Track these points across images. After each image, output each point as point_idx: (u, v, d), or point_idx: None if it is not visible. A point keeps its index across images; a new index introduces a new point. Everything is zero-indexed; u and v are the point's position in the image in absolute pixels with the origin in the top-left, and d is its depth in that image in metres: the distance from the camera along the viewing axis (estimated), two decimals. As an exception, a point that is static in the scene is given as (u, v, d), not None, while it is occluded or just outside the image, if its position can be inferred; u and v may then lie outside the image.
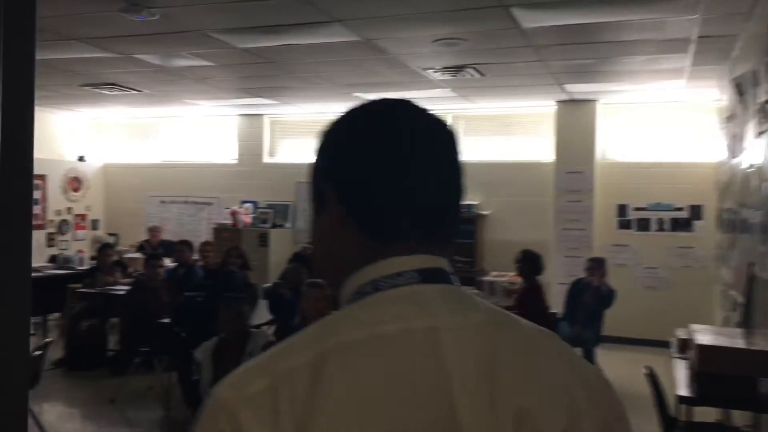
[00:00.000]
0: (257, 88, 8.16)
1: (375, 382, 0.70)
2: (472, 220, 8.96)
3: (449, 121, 9.24)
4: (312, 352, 0.72)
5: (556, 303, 6.93)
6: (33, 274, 6.03)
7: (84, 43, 5.95)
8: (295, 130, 10.39)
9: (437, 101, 8.22)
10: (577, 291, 6.53)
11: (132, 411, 5.20)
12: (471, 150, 9.48)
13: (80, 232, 10.92)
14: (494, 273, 8.90)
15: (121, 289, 6.75)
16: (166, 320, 5.46)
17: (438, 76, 6.98)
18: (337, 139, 0.86)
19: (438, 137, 0.84)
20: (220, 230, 9.86)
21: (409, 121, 0.83)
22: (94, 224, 11.21)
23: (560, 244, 8.56)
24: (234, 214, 9.83)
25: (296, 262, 5.53)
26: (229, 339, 3.51)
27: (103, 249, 7.45)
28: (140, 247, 9.45)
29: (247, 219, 9.88)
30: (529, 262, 5.80)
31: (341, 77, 7.30)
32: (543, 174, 8.86)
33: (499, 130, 9.34)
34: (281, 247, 9.39)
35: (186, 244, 7.44)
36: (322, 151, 0.87)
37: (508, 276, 8.52)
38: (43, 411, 5.18)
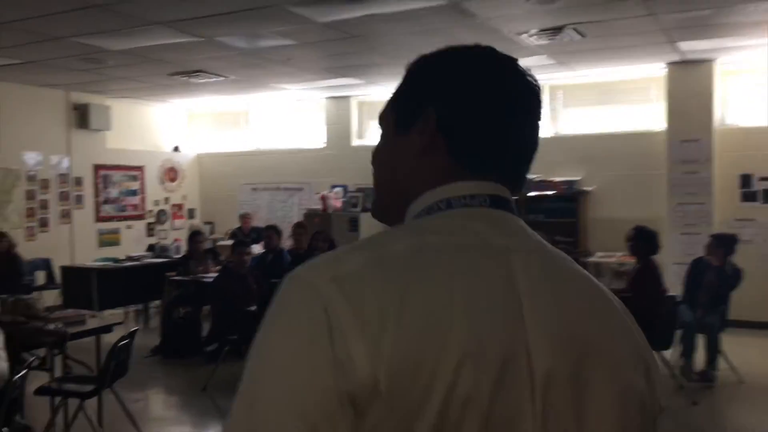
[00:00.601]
0: (342, 67, 7.89)
1: (459, 288, 0.71)
2: (574, 197, 8.34)
3: (546, 92, 8.72)
4: (402, 246, 0.73)
5: (673, 285, 6.25)
6: (131, 264, 6.09)
7: (168, 27, 5.87)
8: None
9: (533, 71, 7.64)
10: (697, 272, 5.85)
11: (222, 399, 5.07)
12: (571, 122, 8.82)
13: (177, 222, 11.13)
14: (600, 253, 8.27)
15: (212, 276, 6.70)
16: (253, 308, 5.31)
17: (533, 41, 6.44)
18: (443, 67, 0.87)
19: (533, 90, 0.87)
20: (310, 215, 9.73)
21: (512, 67, 0.87)
22: (191, 213, 11.39)
23: (676, 220, 7.79)
24: (324, 198, 9.66)
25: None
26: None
27: (194, 237, 7.43)
28: (232, 235, 9.46)
29: (338, 203, 9.69)
30: (644, 240, 5.21)
31: (428, 50, 6.88)
32: (653, 145, 8.10)
33: (602, 99, 8.62)
34: (372, 231, 9.06)
35: (273, 230, 7.29)
36: (421, 76, 0.89)
37: (617, 256, 7.88)
38: (136, 399, 5.15)
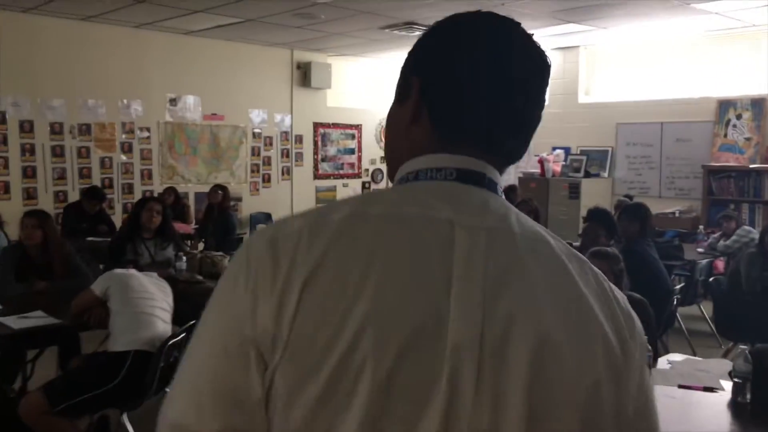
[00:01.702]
0: (570, 10, 6.92)
1: (382, 257, 0.72)
2: None
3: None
4: (340, 214, 0.75)
5: None
6: None
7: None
8: (615, 61, 8.83)
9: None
10: None
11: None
12: None
13: (393, 181, 11.03)
14: None
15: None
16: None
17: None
18: (432, 36, 0.87)
19: (529, 61, 0.83)
20: (526, 180, 8.96)
21: (507, 35, 0.83)
22: (406, 173, 11.22)
23: None
24: (542, 162, 8.81)
25: (594, 221, 4.32)
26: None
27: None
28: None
29: (557, 167, 8.77)
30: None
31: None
32: None
33: None
34: (594, 199, 8.01)
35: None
36: (416, 45, 0.89)
37: None
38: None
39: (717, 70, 7.89)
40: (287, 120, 9.57)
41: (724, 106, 7.66)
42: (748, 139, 7.47)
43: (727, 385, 2.60)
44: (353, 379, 0.67)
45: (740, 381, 2.51)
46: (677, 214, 7.87)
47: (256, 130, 9.25)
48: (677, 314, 5.62)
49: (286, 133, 9.59)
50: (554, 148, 9.16)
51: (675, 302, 4.61)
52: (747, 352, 2.54)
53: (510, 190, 7.17)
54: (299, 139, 9.75)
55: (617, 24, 7.54)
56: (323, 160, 10.11)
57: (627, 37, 8.27)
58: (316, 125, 9.95)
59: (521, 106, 0.82)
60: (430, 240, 0.73)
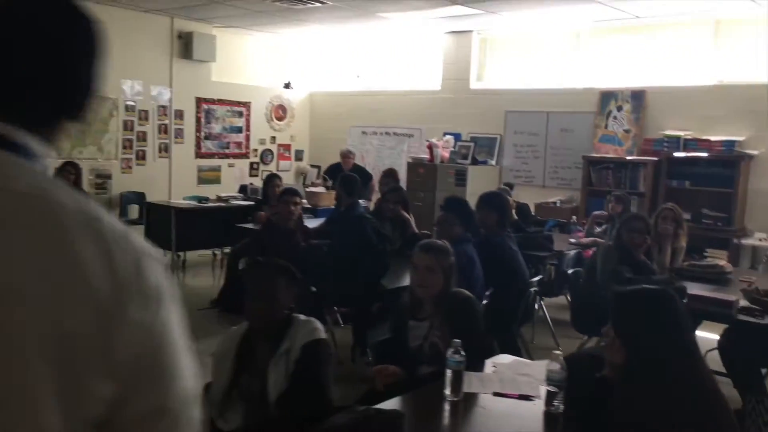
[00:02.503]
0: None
1: None
2: (732, 162, 6.65)
3: (711, 28, 6.98)
4: None
5: None
6: (214, 205, 5.56)
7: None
8: (508, 48, 8.73)
9: None
10: None
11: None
12: (737, 66, 7.01)
13: (283, 163, 10.61)
14: (761, 235, 6.60)
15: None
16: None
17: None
18: None
19: (59, 18, 0.83)
20: (414, 165, 8.75)
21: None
22: (298, 155, 10.83)
23: None
24: (431, 147, 8.62)
25: (449, 210, 4.09)
26: (256, 328, 2.31)
27: (270, 180, 6.73)
28: (329, 173, 8.67)
29: (446, 153, 8.61)
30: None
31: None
32: None
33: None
34: (482, 187, 7.84)
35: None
36: None
37: None
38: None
39: (601, 61, 7.91)
40: (166, 93, 8.95)
41: (606, 97, 7.68)
42: (627, 131, 7.53)
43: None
44: None
45: (554, 390, 2.31)
46: (558, 204, 7.87)
47: (129, 103, 8.59)
48: (543, 305, 5.56)
49: (164, 107, 8.97)
50: (446, 134, 9.00)
51: (532, 295, 4.47)
52: (562, 357, 2.35)
53: (387, 174, 6.93)
54: (179, 114, 9.15)
55: (507, 10, 7.41)
56: (207, 138, 9.56)
57: (518, 24, 8.16)
58: (199, 100, 9.38)
59: (53, 64, 0.82)
60: None
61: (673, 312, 2.09)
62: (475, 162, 8.41)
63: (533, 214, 7.52)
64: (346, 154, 8.69)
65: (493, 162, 8.66)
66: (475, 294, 3.09)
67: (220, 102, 9.62)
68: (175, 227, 7.17)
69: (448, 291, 2.82)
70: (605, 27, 7.75)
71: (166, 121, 9.01)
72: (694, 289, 3.96)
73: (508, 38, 8.65)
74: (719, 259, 4.97)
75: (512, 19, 7.93)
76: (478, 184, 7.94)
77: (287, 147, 10.67)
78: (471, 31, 8.80)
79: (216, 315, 5.91)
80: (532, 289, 4.42)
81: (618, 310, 2.19)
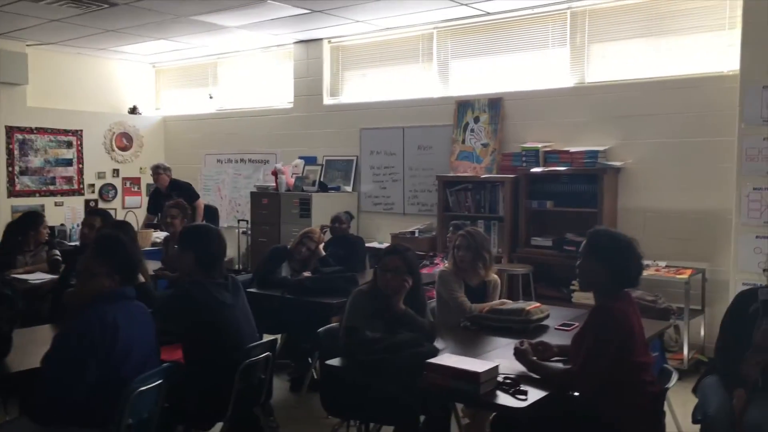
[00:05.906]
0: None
1: None
2: (595, 176, 5.61)
3: (567, 20, 5.95)
4: None
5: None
6: None
7: None
8: (361, 59, 7.64)
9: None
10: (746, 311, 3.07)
11: None
12: (600, 65, 6.03)
13: (133, 199, 9.26)
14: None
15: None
16: None
17: None
18: None
19: None
20: (258, 195, 7.55)
21: None
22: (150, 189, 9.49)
23: (749, 214, 4.92)
24: (275, 174, 7.42)
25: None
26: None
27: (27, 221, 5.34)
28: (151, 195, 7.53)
29: (291, 180, 7.42)
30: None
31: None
32: (719, 94, 5.26)
33: (648, 29, 5.77)
34: (325, 215, 6.62)
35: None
36: None
37: (661, 267, 5.23)
38: None
39: (455, 67, 6.88)
40: (-39, 122, 7.58)
41: (463, 107, 6.62)
42: (485, 145, 6.46)
43: None
44: None
45: None
46: (417, 234, 6.71)
47: None
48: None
49: (-40, 138, 7.59)
50: (300, 157, 7.83)
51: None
52: None
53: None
54: (-18, 146, 7.78)
55: (354, 15, 6.35)
56: (23, 173, 8.18)
57: (368, 30, 7.10)
58: (11, 129, 8.02)
59: None
60: None
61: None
62: (323, 188, 7.23)
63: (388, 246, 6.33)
64: (156, 171, 7.25)
65: (349, 188, 7.49)
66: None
67: (40, 131, 8.27)
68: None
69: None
70: (457, 27, 6.74)
71: (-36, 155, 7.63)
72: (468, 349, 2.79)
73: (360, 47, 7.56)
74: (534, 302, 3.82)
75: (361, 25, 6.86)
76: (327, 213, 6.66)
77: (136, 181, 9.34)
78: (321, 39, 7.71)
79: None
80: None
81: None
